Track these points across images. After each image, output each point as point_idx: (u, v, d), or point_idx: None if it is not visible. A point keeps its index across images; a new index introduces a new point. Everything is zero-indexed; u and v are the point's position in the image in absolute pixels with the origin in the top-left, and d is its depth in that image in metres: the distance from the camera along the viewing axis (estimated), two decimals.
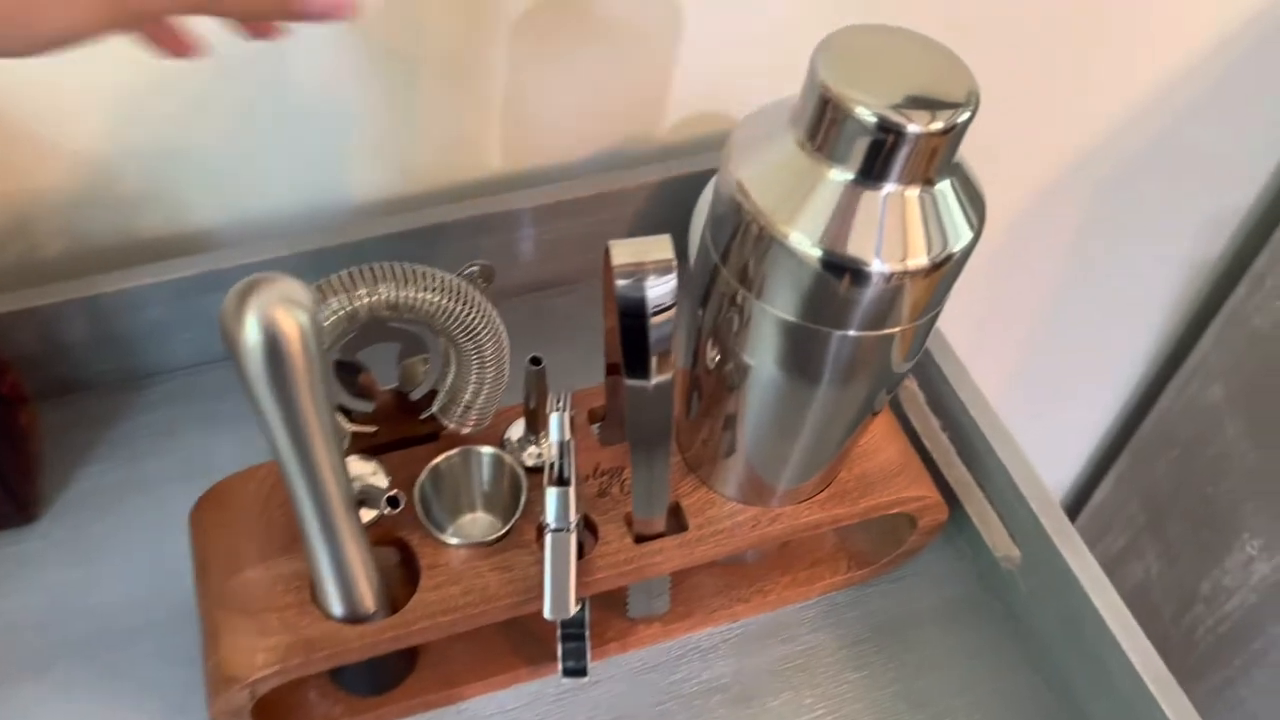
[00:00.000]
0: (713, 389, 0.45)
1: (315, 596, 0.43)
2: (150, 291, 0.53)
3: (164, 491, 0.53)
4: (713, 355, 0.43)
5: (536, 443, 0.47)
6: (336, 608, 0.42)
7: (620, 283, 0.36)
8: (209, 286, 0.54)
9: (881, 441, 0.49)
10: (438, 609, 0.43)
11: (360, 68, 0.53)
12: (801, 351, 0.40)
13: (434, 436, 0.47)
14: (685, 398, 0.47)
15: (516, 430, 0.48)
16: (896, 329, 0.39)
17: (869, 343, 0.39)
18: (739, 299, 0.39)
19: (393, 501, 0.39)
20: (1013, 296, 0.92)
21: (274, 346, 0.32)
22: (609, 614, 0.50)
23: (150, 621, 0.49)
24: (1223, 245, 0.96)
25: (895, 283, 0.37)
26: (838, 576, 0.52)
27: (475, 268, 0.43)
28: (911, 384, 0.55)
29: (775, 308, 0.38)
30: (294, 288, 0.32)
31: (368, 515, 0.42)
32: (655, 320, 0.36)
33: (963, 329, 0.59)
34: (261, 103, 0.53)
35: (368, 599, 0.42)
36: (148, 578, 0.50)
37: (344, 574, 0.41)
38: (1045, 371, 1.03)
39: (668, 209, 0.61)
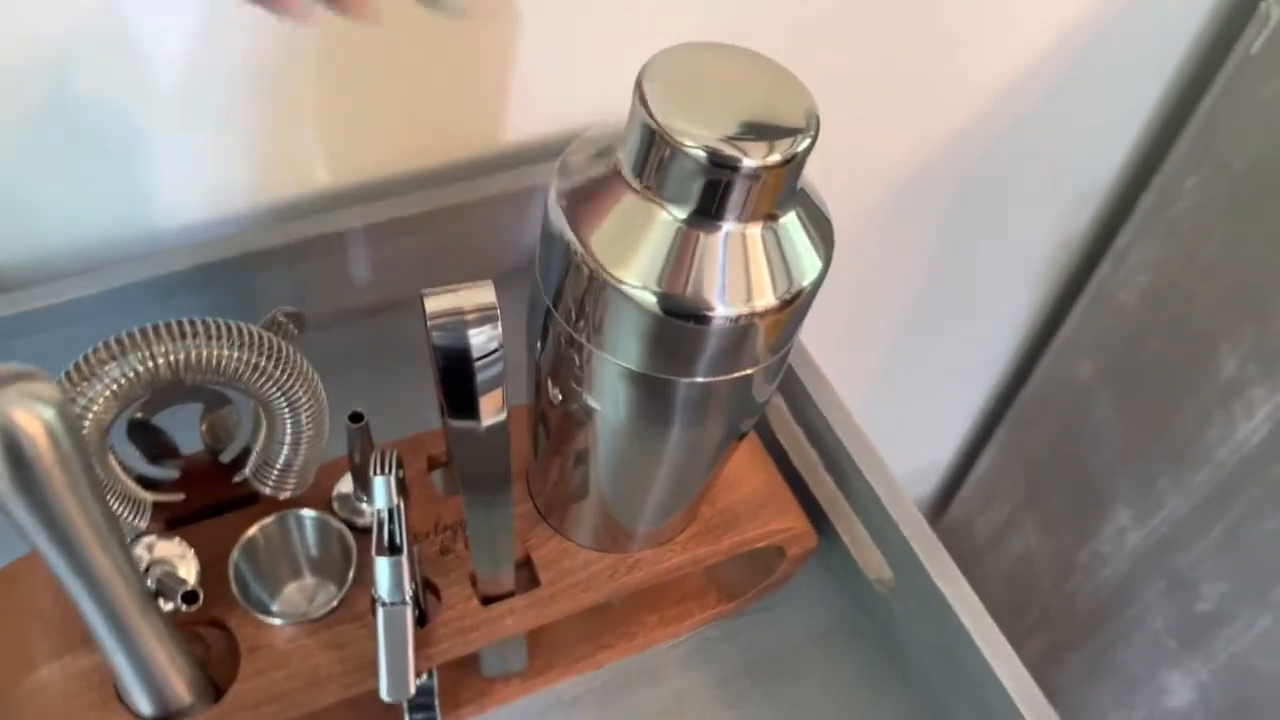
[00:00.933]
0: (559, 428, 0.41)
1: (120, 694, 0.38)
2: None
3: None
4: (555, 394, 0.39)
5: (367, 500, 0.42)
6: (146, 706, 0.37)
7: (436, 334, 0.31)
8: (10, 332, 0.48)
9: (745, 472, 0.46)
10: (261, 697, 0.38)
11: (160, 83, 0.47)
12: (649, 399, 0.36)
13: (254, 498, 0.42)
14: (533, 435, 0.43)
15: (345, 484, 0.43)
16: (750, 370, 0.36)
17: (720, 387, 0.36)
18: (576, 343, 0.36)
19: (189, 597, 0.35)
20: (883, 279, 0.91)
21: (16, 452, 0.27)
22: (463, 674, 0.46)
23: None
24: (1086, 222, 0.96)
25: (743, 324, 0.33)
26: (707, 611, 0.49)
27: (281, 316, 0.39)
28: (776, 398, 0.52)
29: (615, 357, 0.35)
30: (38, 384, 0.27)
31: (170, 605, 0.38)
32: (481, 366, 0.32)
33: (832, 317, 0.57)
34: (49, 125, 0.47)
35: (180, 692, 0.37)
36: None
37: (148, 672, 0.36)
38: (920, 352, 1.02)
39: (512, 222, 0.57)
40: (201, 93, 0.49)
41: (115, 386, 0.36)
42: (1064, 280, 1.03)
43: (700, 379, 0.35)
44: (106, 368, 0.35)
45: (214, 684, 0.39)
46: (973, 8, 0.69)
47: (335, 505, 0.43)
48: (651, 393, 0.36)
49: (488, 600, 0.42)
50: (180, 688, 0.37)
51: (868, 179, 0.78)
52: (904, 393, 1.05)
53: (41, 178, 0.49)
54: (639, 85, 0.31)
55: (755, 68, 0.33)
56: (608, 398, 0.36)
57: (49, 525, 0.29)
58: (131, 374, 0.36)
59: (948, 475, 1.27)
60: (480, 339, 0.31)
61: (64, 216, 0.51)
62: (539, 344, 0.38)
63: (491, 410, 0.33)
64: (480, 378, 0.32)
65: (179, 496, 0.41)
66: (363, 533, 0.42)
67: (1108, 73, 0.80)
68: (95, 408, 0.36)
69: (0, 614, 0.40)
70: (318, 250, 0.52)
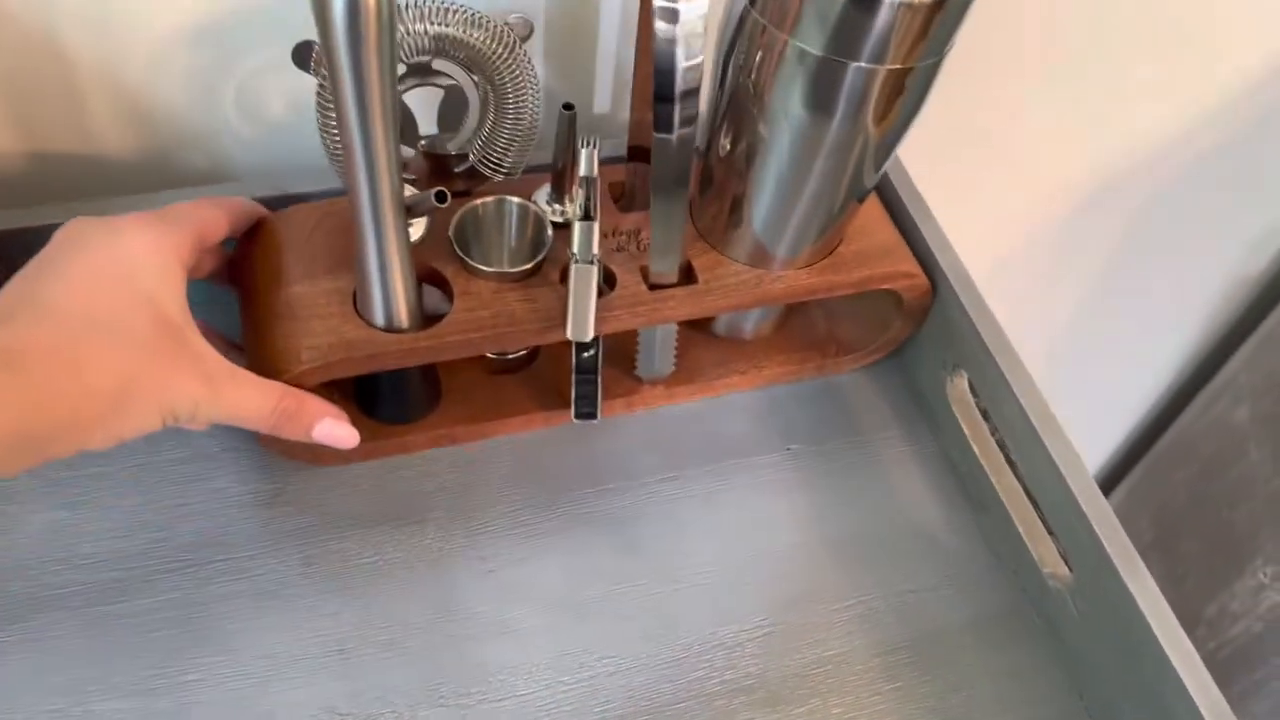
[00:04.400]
0: (726, 157, 0.47)
1: (358, 308, 0.45)
2: None
3: (160, 442, 0.49)
4: (734, 95, 0.45)
5: (561, 202, 0.49)
6: (378, 316, 0.44)
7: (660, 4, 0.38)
8: None
9: (875, 226, 0.52)
10: (469, 327, 0.45)
11: None
12: (820, 86, 0.42)
13: (467, 194, 0.49)
14: (699, 180, 0.50)
15: (543, 194, 0.50)
16: (904, 65, 0.41)
17: (877, 77, 0.42)
18: (768, 34, 0.42)
19: (440, 196, 0.41)
20: (1042, 295, 0.91)
21: (353, 9, 0.34)
22: (618, 373, 0.52)
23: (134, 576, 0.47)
24: (1265, 264, 0.94)
25: (903, 10, 0.39)
26: (826, 359, 0.55)
27: (513, 19, 0.46)
28: (962, 381, 0.53)
29: (801, 41, 0.41)
30: None
31: (416, 231, 0.45)
32: (686, 41, 0.38)
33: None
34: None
35: (404, 312, 0.44)
36: (136, 530, 0.48)
37: (386, 275, 0.43)
38: (1069, 375, 1.00)
39: None
40: None
41: None
42: (1232, 321, 0.99)
43: (865, 63, 0.41)
44: None
45: (427, 319, 0.46)
46: (1154, 46, 0.70)
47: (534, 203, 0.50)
48: (824, 79, 0.42)
49: (654, 288, 0.48)
50: (405, 307, 0.44)
51: (1050, 189, 0.78)
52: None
53: None
54: None
55: None
56: (783, 89, 0.43)
57: (358, 83, 0.36)
58: (400, 36, 0.43)
59: None
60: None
61: None
62: (724, 60, 0.45)
63: (684, 121, 0.40)
64: (681, 71, 0.38)
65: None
66: (556, 226, 0.48)
67: None
68: None
69: (255, 255, 0.47)
70: None
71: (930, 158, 0.63)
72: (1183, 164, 0.80)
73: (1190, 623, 0.99)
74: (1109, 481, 1.18)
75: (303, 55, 0.44)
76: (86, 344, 0.38)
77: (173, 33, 0.49)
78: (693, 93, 0.40)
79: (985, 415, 0.53)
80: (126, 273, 0.40)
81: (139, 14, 0.48)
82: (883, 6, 0.39)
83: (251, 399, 0.42)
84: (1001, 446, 0.52)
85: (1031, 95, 0.72)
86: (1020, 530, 0.50)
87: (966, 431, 0.53)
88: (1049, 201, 0.81)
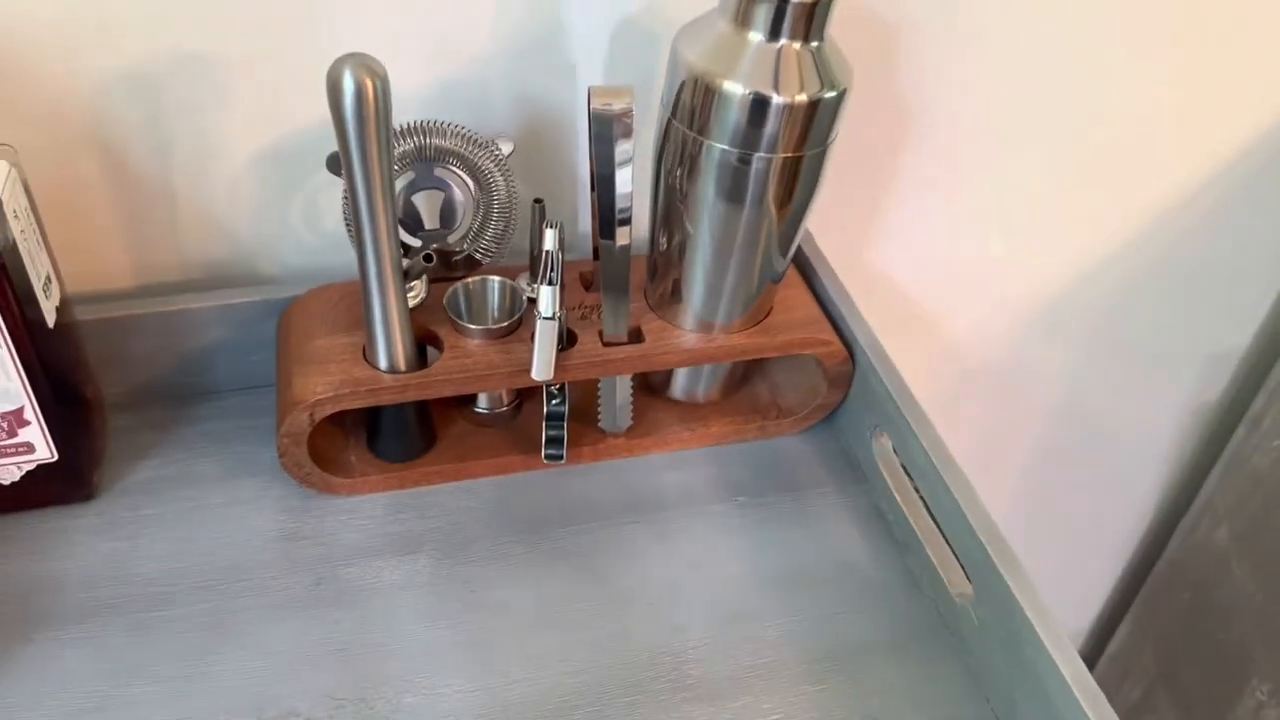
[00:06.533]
0: (665, 249, 0.58)
1: (366, 356, 0.55)
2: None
3: (209, 488, 0.59)
4: (667, 199, 0.56)
5: (535, 281, 0.59)
6: (381, 361, 0.54)
7: (596, 106, 0.50)
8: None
9: (799, 303, 0.61)
10: (454, 370, 0.55)
11: None
12: (729, 177, 0.53)
13: (462, 277, 0.60)
14: (649, 266, 0.60)
15: (523, 279, 0.60)
16: (801, 153, 0.52)
17: (778, 164, 0.52)
18: (687, 138, 0.53)
19: (428, 257, 0.52)
20: (1007, 446, 0.95)
21: (360, 94, 0.46)
22: (586, 427, 0.61)
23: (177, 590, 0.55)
24: (1221, 388, 0.98)
25: (794, 109, 0.50)
26: (768, 422, 0.63)
27: (500, 142, 0.58)
28: (885, 440, 0.61)
29: (715, 140, 0.52)
30: (375, 62, 0.47)
31: (415, 298, 0.56)
32: (619, 135, 0.50)
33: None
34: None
35: (402, 358, 0.54)
36: (182, 556, 0.57)
37: (388, 325, 0.53)
38: (1052, 517, 1.03)
39: None
40: None
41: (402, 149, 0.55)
42: (1199, 447, 1.02)
43: (764, 153, 0.52)
44: (399, 145, 0.55)
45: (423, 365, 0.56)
46: (1116, 148, 0.76)
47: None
48: (736, 169, 0.52)
49: (608, 345, 0.57)
50: (401, 355, 0.54)
51: (998, 306, 0.83)
52: (1039, 555, 0.93)
53: None
54: None
55: None
56: (706, 177, 0.53)
57: (363, 159, 0.48)
58: (411, 148, 0.55)
59: (1082, 649, 1.24)
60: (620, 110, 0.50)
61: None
62: (660, 149, 0.56)
63: (624, 238, 0.52)
64: (619, 148, 0.50)
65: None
66: (530, 302, 0.59)
67: (1245, 230, 0.83)
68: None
69: (294, 319, 0.58)
70: None
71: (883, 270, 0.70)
72: (1129, 285, 0.84)
73: None
74: (1110, 623, 1.18)
75: (335, 163, 0.56)
76: None
77: (249, 160, 0.62)
78: (625, 216, 0.52)
79: (905, 469, 0.60)
80: None
81: (224, 150, 0.61)
82: (770, 109, 0.50)
83: None
84: (919, 495, 0.59)
85: (966, 219, 0.80)
86: (934, 560, 0.57)
87: (890, 483, 0.60)
88: (988, 323, 0.86)
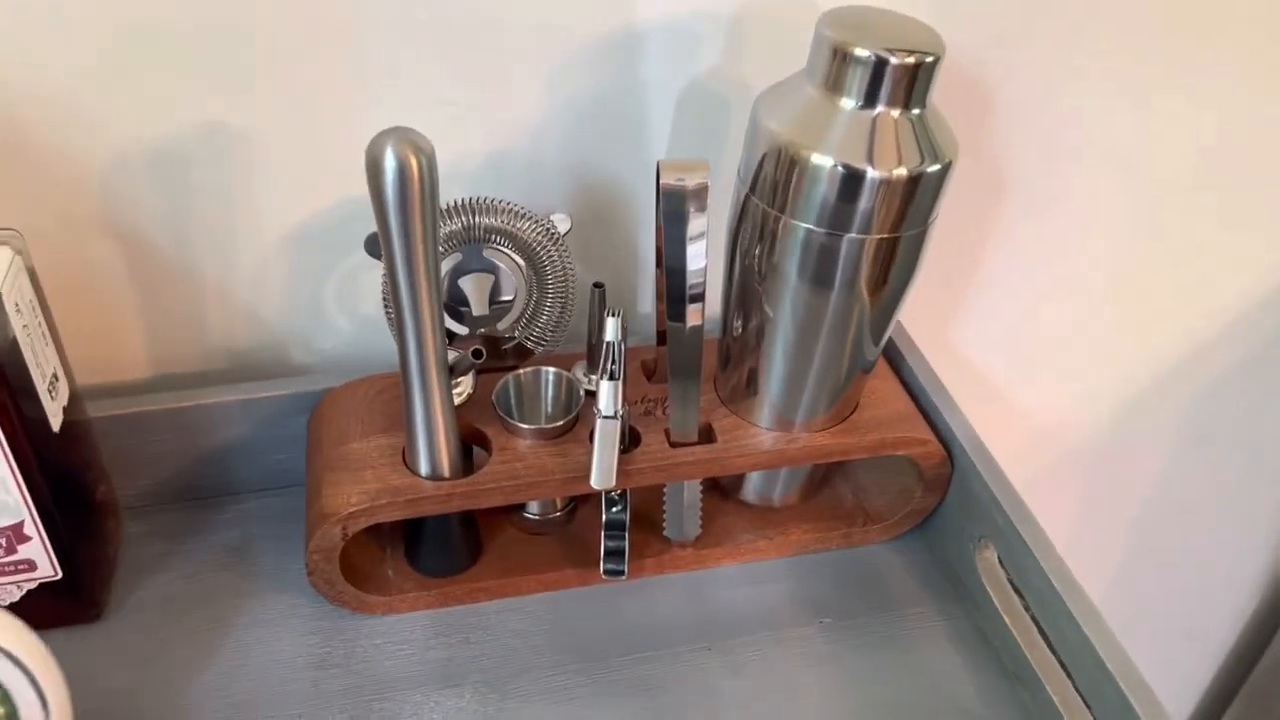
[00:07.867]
0: (740, 335, 0.51)
1: (406, 460, 0.49)
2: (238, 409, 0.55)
3: (225, 606, 0.53)
4: (743, 280, 0.50)
5: (594, 372, 0.53)
6: (422, 466, 0.48)
7: (667, 182, 0.44)
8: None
9: (889, 396, 0.54)
10: (503, 476, 0.48)
11: None
12: (816, 259, 0.46)
13: (514, 368, 0.54)
14: (720, 355, 0.54)
15: (580, 367, 0.54)
16: (898, 234, 0.45)
17: (872, 245, 0.46)
18: (769, 216, 0.47)
19: (476, 354, 0.46)
20: (1101, 537, 0.90)
21: (404, 173, 0.40)
22: (649, 536, 0.54)
23: None
24: None
25: (892, 185, 0.44)
26: (854, 529, 0.56)
27: (554, 219, 0.52)
28: (990, 553, 0.53)
29: (799, 219, 0.46)
30: (420, 137, 0.41)
31: (461, 394, 0.49)
32: (693, 211, 0.44)
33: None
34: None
35: (446, 462, 0.48)
36: (196, 691, 0.50)
37: (431, 427, 0.47)
38: (1151, 604, 0.97)
39: None
40: None
41: (450, 228, 0.49)
42: None
43: (856, 234, 0.45)
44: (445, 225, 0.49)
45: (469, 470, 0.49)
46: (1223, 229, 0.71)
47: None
48: (822, 252, 0.46)
49: (675, 446, 0.51)
50: (445, 459, 0.48)
51: (1090, 392, 0.79)
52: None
53: None
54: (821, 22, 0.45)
55: (899, 19, 0.46)
56: (789, 258, 0.47)
57: (406, 243, 0.42)
58: (458, 228, 0.49)
59: None
60: (695, 184, 0.43)
61: None
62: (735, 226, 0.49)
63: (695, 317, 0.46)
64: (691, 224, 0.44)
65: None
66: (588, 394, 0.52)
67: None
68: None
69: (326, 417, 0.52)
70: None
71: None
72: (1236, 357, 0.78)
73: None
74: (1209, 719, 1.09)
75: (374, 245, 0.50)
76: None
77: (278, 241, 0.56)
78: (697, 291, 0.45)
79: (1015, 588, 0.52)
80: None
81: (251, 230, 0.55)
82: (865, 185, 0.44)
83: None
84: (1034, 619, 0.51)
85: (1064, 305, 0.74)
86: (1056, 701, 0.49)
87: (998, 604, 0.52)
88: (1078, 408, 0.81)
